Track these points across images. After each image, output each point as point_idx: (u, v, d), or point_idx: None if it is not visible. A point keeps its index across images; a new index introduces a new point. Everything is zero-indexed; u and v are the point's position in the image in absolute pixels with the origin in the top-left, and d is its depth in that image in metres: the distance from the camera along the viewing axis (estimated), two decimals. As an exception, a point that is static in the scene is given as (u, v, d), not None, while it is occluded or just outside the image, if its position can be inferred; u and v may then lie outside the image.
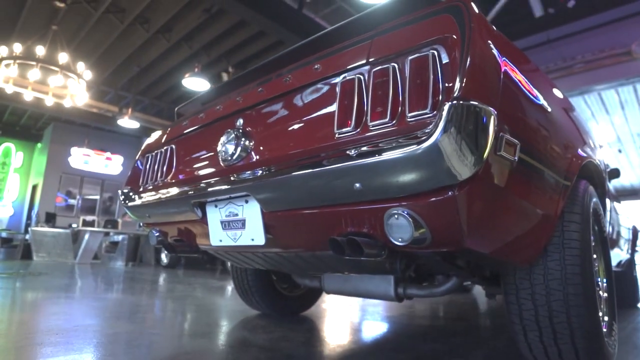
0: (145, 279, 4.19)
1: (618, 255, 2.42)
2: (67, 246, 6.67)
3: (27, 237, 6.76)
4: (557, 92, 1.29)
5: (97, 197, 11.76)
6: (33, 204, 11.45)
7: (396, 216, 0.80)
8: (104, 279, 3.94)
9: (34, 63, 6.43)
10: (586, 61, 5.34)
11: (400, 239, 0.81)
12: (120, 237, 7.10)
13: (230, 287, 3.48)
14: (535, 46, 5.46)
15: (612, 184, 2.72)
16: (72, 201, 11.37)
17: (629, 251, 2.89)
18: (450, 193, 0.74)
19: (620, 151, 9.61)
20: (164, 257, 7.01)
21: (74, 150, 11.38)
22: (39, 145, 12.30)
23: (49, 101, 7.39)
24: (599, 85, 5.61)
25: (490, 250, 0.91)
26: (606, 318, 1.25)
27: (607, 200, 1.77)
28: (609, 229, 1.91)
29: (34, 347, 1.22)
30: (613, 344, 1.20)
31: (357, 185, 0.80)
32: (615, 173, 2.41)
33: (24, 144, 12.30)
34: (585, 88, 5.73)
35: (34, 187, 11.71)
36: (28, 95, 7.26)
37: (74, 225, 8.00)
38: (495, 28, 0.96)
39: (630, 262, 2.98)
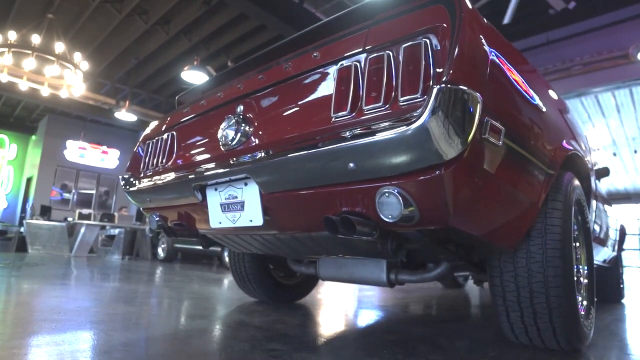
0: (142, 270, 4.22)
1: (606, 252, 2.50)
2: (62, 239, 6.66)
3: (22, 229, 6.74)
4: (545, 85, 1.34)
5: (93, 191, 11.71)
6: (27, 197, 11.37)
7: (387, 194, 0.85)
8: (101, 270, 3.97)
9: (29, 52, 6.30)
10: (584, 63, 5.39)
11: (390, 216, 0.86)
12: (116, 231, 7.10)
13: (227, 280, 3.52)
14: (534, 47, 5.52)
15: (606, 188, 2.79)
16: (67, 195, 11.31)
17: (616, 249, 2.98)
18: (437, 172, 0.79)
19: (615, 154, 9.75)
20: (160, 251, 7.03)
21: (70, 143, 11.30)
22: (34, 137, 12.19)
23: (45, 91, 7.31)
24: (596, 87, 5.68)
25: (475, 231, 0.96)
26: (585, 302, 1.32)
27: (593, 196, 1.83)
28: (596, 227, 1.98)
29: (39, 323, 1.26)
30: (589, 326, 1.27)
31: (351, 165, 0.85)
32: (604, 172, 2.47)
33: (17, 135, 12.18)
34: (583, 90, 5.79)
35: (29, 180, 11.62)
36: (23, 85, 7.18)
37: (70, 219, 7.98)
38: (486, 21, 1.01)
39: (617, 259, 3.07)
